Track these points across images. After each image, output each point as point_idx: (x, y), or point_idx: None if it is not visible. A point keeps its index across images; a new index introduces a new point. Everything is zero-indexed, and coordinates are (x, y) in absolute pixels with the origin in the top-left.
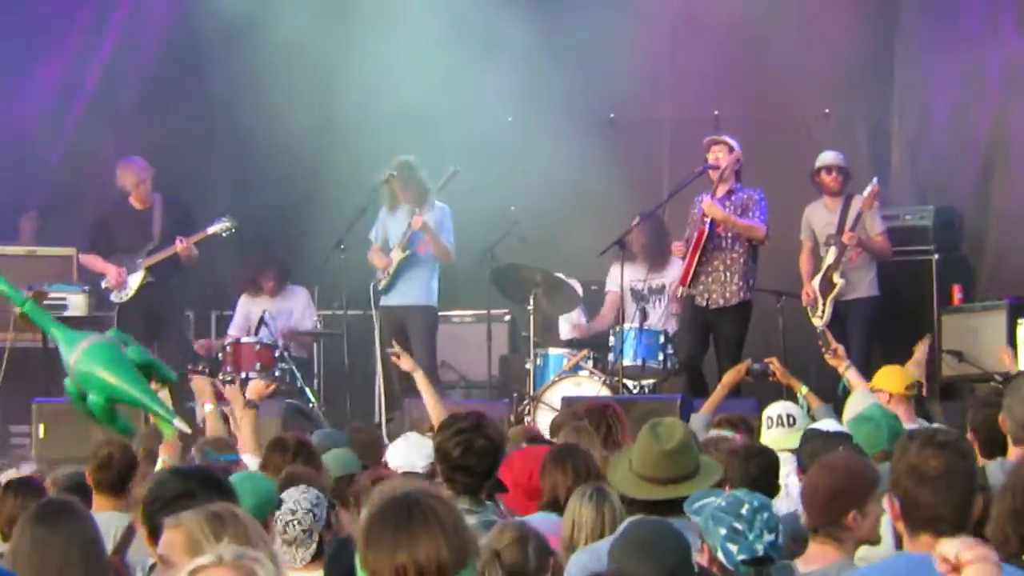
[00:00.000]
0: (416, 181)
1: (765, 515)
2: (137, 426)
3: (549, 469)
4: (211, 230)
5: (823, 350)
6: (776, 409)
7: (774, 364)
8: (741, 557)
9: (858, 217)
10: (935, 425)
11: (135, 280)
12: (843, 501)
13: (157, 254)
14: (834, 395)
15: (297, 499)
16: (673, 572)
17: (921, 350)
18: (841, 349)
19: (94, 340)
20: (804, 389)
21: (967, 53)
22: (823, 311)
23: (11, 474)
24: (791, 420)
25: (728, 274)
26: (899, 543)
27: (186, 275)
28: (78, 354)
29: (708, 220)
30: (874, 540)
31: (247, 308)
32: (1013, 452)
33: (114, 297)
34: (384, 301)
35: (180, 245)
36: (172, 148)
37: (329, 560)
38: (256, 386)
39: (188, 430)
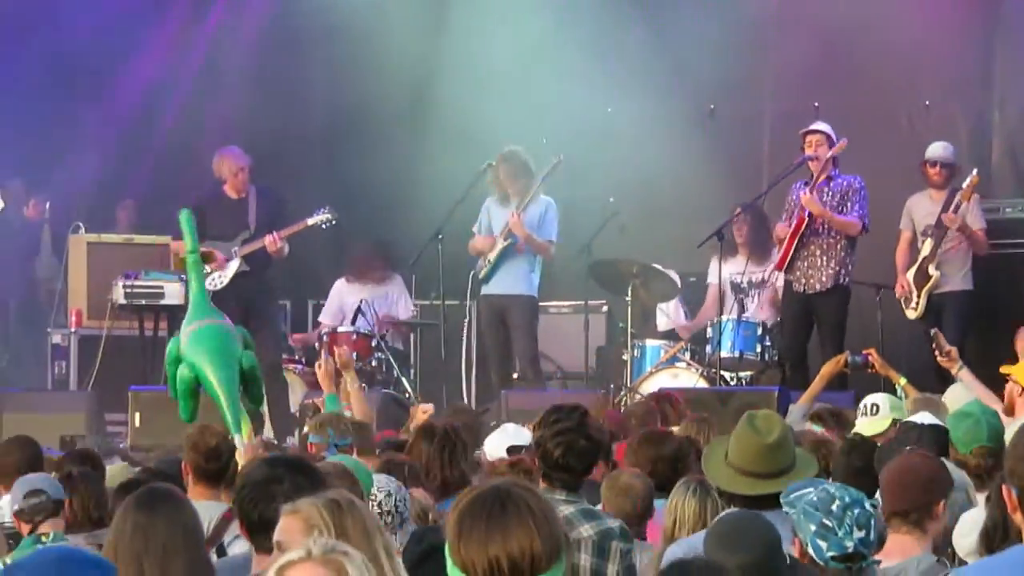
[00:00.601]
0: (524, 172)
1: (856, 511)
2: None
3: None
4: (311, 221)
5: (935, 352)
6: (865, 400)
7: (873, 356)
8: (831, 554)
9: (957, 207)
10: None
11: (231, 268)
12: (936, 487)
13: (252, 244)
14: (931, 387)
15: (381, 484)
16: (760, 563)
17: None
18: (954, 351)
19: (216, 321)
20: (903, 380)
21: None
22: (917, 303)
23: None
24: (875, 409)
25: (824, 259)
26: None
27: (281, 265)
28: (196, 327)
29: (807, 210)
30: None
31: (342, 295)
32: None
33: (208, 285)
34: (484, 290)
35: (270, 240)
36: (270, 138)
37: (408, 543)
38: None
39: (240, 454)
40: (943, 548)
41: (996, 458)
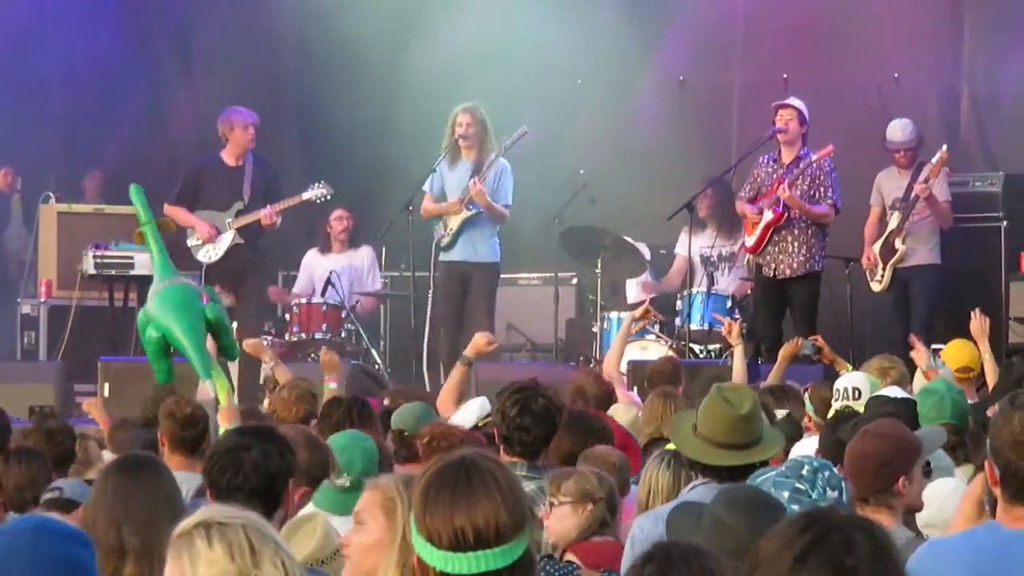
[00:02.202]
0: (483, 127)
1: (827, 473)
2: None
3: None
4: (306, 196)
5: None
6: (844, 382)
7: (819, 342)
8: None
9: (926, 182)
10: None
11: (225, 240)
12: (893, 467)
13: (246, 215)
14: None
15: None
16: None
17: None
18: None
19: (180, 280)
20: (848, 367)
21: None
22: (882, 276)
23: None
24: (856, 393)
25: (795, 244)
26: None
27: (272, 235)
28: (159, 288)
29: (783, 202)
30: (919, 506)
31: (312, 266)
32: None
33: (202, 256)
34: (444, 257)
35: (266, 213)
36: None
37: None
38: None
39: (211, 395)
40: None
41: (960, 435)
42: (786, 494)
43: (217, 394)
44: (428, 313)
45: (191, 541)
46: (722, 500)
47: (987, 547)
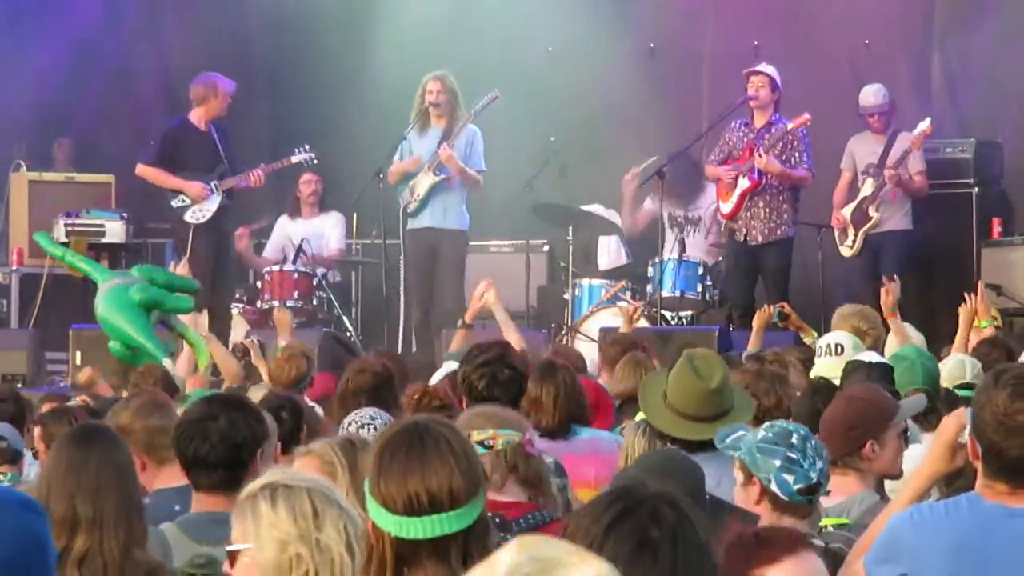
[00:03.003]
0: (453, 95)
1: (813, 442)
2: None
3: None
4: (295, 159)
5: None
6: (827, 339)
7: (786, 309)
8: (797, 487)
9: (904, 155)
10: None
11: (214, 202)
12: (860, 431)
13: (232, 178)
14: None
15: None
16: (693, 496)
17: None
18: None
19: (112, 283)
20: (814, 334)
21: None
22: (853, 241)
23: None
24: (839, 349)
25: (767, 210)
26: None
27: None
28: (99, 298)
29: (758, 169)
30: (895, 473)
31: (283, 231)
32: None
33: (189, 217)
34: (412, 224)
35: (256, 175)
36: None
37: None
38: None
39: (172, 370)
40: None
41: (931, 401)
42: (777, 462)
43: (197, 361)
44: (401, 281)
45: (255, 503)
46: (638, 468)
47: (970, 522)
